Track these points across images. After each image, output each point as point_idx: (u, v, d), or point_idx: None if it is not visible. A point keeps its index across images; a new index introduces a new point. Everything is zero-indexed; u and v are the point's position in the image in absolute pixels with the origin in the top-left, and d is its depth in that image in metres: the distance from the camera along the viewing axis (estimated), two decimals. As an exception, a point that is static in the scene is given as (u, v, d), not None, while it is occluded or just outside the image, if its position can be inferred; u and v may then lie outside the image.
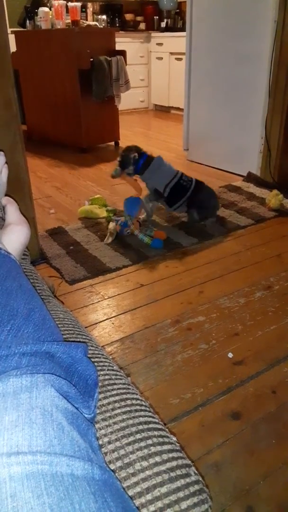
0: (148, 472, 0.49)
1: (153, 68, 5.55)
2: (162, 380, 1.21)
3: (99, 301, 1.59)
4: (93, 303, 1.58)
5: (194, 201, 2.10)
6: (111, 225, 2.08)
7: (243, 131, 2.87)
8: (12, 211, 0.73)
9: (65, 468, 0.33)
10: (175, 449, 0.53)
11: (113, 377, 0.63)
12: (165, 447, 0.53)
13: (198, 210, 2.12)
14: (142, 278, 1.74)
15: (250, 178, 2.84)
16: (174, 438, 0.56)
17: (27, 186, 1.65)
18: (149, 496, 0.46)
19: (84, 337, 0.72)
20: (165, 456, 0.51)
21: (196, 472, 0.52)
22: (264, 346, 1.35)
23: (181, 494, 0.48)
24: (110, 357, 0.73)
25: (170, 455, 0.52)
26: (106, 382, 0.61)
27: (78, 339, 0.70)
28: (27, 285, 0.55)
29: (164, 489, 0.47)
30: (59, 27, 3.40)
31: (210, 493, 0.52)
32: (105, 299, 1.60)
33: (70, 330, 0.72)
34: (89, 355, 0.61)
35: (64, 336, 0.69)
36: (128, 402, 0.58)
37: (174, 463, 0.51)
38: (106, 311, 1.53)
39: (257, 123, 2.74)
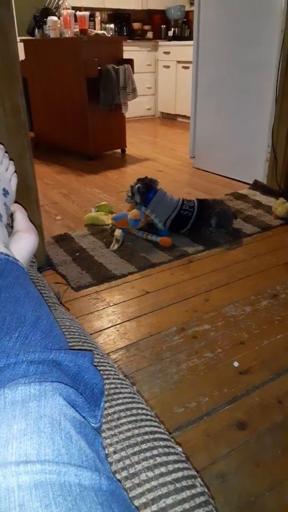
0: (153, 483, 0.48)
1: (160, 76, 5.60)
2: (167, 389, 1.21)
3: (104, 308, 1.59)
4: (98, 310, 1.58)
5: (212, 214, 2.15)
6: (117, 232, 2.08)
7: (250, 139, 2.88)
8: (21, 219, 0.74)
9: (73, 478, 0.33)
10: (181, 460, 0.53)
11: (119, 385, 0.63)
12: (171, 457, 0.52)
13: (217, 220, 2.14)
14: (147, 285, 1.74)
15: (256, 186, 2.84)
16: (180, 449, 0.56)
17: (34, 192, 1.66)
18: (154, 507, 0.46)
19: (89, 345, 0.72)
20: (170, 467, 0.51)
21: (201, 483, 0.52)
22: (270, 355, 1.34)
23: (186, 506, 0.47)
24: (115, 365, 0.73)
25: (176, 465, 0.51)
26: (112, 391, 0.61)
27: (84, 347, 0.70)
28: (34, 292, 0.56)
29: (169, 500, 0.47)
30: (67, 35, 3.44)
31: (215, 505, 0.51)
32: (111, 306, 1.60)
33: (76, 337, 0.72)
34: (94, 363, 0.61)
35: (70, 344, 0.69)
36: (134, 411, 0.58)
37: (179, 474, 0.50)
38: (111, 318, 1.53)
39: (264, 131, 2.74)
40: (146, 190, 2.16)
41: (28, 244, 0.72)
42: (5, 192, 0.73)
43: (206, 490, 0.51)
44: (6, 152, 0.80)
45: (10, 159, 0.80)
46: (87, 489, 0.33)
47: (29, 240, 0.72)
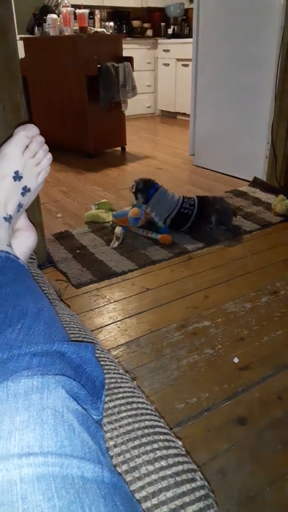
0: (153, 476, 0.49)
1: (159, 74, 5.59)
2: (168, 385, 1.21)
3: (105, 305, 1.59)
4: (99, 307, 1.58)
5: (212, 212, 2.15)
6: (118, 229, 2.09)
7: (249, 136, 2.88)
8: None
9: (75, 470, 0.33)
10: (181, 454, 0.53)
11: (119, 380, 0.64)
12: (171, 451, 0.53)
13: (217, 217, 2.15)
14: (147, 282, 1.75)
15: (256, 183, 2.84)
16: (180, 443, 0.56)
17: (35, 190, 1.66)
18: (154, 501, 0.46)
19: (90, 340, 0.73)
20: (170, 461, 0.51)
21: (201, 477, 0.52)
22: (270, 351, 1.34)
23: (186, 499, 0.48)
24: (116, 360, 0.73)
25: (176, 459, 0.52)
26: (112, 385, 0.61)
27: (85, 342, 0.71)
28: (35, 287, 0.56)
29: (169, 494, 0.47)
30: (67, 33, 3.43)
31: (215, 498, 0.52)
32: (111, 303, 1.61)
33: (76, 333, 0.73)
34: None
35: (71, 340, 0.70)
36: (134, 405, 0.58)
37: (179, 468, 0.51)
38: (112, 315, 1.54)
39: (263, 128, 2.74)
40: (145, 187, 2.18)
41: (28, 242, 0.73)
42: (25, 191, 0.71)
43: (206, 484, 0.51)
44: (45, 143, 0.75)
45: (50, 151, 0.76)
46: (90, 481, 0.33)
47: (29, 238, 0.74)
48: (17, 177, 0.70)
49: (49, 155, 0.76)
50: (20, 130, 0.71)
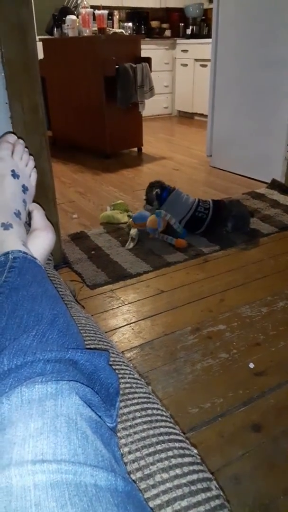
0: (168, 485, 0.48)
1: (177, 74, 5.57)
2: (181, 389, 1.20)
3: (119, 307, 1.59)
4: (113, 308, 1.58)
5: (228, 217, 2.12)
6: (133, 231, 2.08)
7: (268, 138, 2.84)
8: (39, 217, 0.75)
9: (89, 478, 0.32)
10: (196, 462, 0.53)
11: (134, 385, 0.63)
12: (186, 459, 0.52)
13: (234, 223, 2.13)
14: (162, 284, 1.74)
15: (274, 185, 2.80)
16: (195, 451, 0.55)
17: (52, 191, 1.67)
18: (169, 509, 0.46)
19: (105, 343, 0.72)
20: (185, 469, 0.50)
21: (217, 486, 0.51)
22: (286, 357, 1.32)
23: (201, 509, 0.47)
24: (130, 364, 0.73)
25: (191, 467, 0.51)
26: (127, 391, 0.60)
27: (100, 346, 0.70)
28: (52, 290, 0.56)
29: (184, 503, 0.47)
30: (85, 34, 3.45)
31: (231, 508, 0.50)
32: (125, 304, 1.60)
33: (92, 336, 0.73)
34: (110, 362, 0.60)
35: (86, 342, 0.69)
36: (149, 411, 0.58)
37: (195, 476, 0.50)
38: (126, 316, 1.53)
39: (282, 129, 2.70)
40: (161, 191, 2.18)
41: (46, 242, 0.73)
42: (25, 189, 0.75)
43: (222, 493, 0.50)
44: (26, 147, 0.81)
45: (30, 154, 0.82)
46: (103, 490, 0.33)
47: (47, 238, 0.73)
48: (15, 175, 0.74)
49: (32, 157, 0.82)
50: (1, 138, 0.79)
